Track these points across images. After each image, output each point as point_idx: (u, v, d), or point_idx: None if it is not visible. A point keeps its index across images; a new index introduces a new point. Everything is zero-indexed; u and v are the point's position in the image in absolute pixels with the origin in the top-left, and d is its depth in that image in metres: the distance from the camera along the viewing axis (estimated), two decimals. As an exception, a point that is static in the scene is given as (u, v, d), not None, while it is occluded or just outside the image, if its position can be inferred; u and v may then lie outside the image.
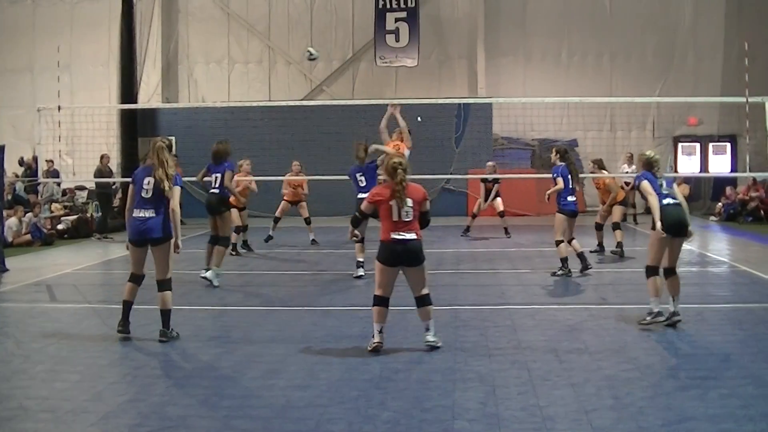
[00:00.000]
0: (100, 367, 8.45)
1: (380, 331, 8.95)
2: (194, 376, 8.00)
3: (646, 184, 10.00)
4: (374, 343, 8.90)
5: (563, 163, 14.31)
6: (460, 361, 8.42)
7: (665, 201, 9.92)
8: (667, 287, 10.04)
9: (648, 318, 9.97)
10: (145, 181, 9.68)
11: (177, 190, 9.75)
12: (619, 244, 17.38)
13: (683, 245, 10.36)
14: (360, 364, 8.40)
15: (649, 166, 10.25)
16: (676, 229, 9.86)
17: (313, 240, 19.27)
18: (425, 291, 9.00)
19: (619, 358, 8.44)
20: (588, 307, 11.19)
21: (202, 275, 13.51)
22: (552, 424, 6.46)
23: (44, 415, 6.88)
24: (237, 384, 7.70)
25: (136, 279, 9.91)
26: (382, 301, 8.97)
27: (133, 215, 9.67)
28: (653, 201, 9.87)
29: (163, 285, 9.72)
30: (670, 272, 10.06)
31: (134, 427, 6.56)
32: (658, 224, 9.72)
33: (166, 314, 9.69)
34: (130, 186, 9.89)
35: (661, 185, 10.09)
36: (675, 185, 10.44)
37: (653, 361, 8.33)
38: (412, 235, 8.82)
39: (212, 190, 14.43)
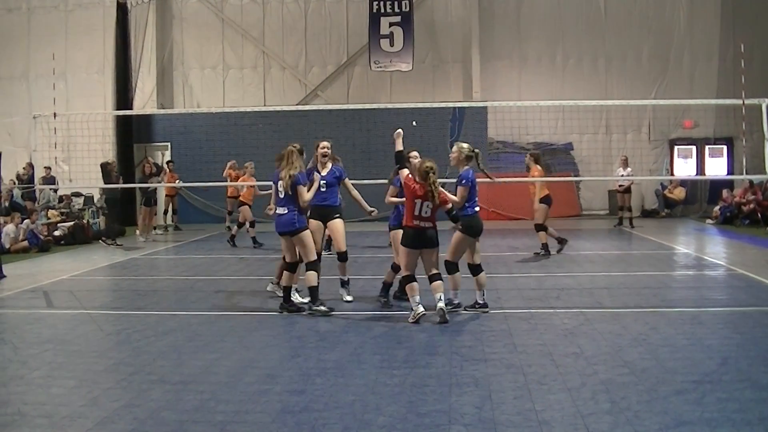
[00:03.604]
0: (96, 373, 8.43)
1: (418, 303, 10.54)
2: (190, 381, 7.98)
3: (463, 190, 11.01)
4: (419, 314, 10.49)
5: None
6: (456, 365, 8.41)
7: (477, 209, 11.15)
8: (475, 282, 11.30)
9: (448, 307, 10.87)
10: (279, 183, 11.32)
11: (300, 188, 11.17)
12: (544, 246, 17.50)
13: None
14: (355, 368, 8.39)
15: (469, 160, 11.24)
16: (479, 232, 11.22)
17: None
18: (435, 271, 10.63)
19: (614, 362, 8.43)
20: (583, 311, 11.18)
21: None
22: (548, 428, 6.45)
23: (41, 420, 6.87)
24: (233, 389, 7.68)
25: (289, 266, 11.44)
26: (411, 279, 10.61)
27: (275, 212, 11.44)
28: (458, 204, 10.95)
29: (308, 266, 11.24)
30: (478, 269, 11.29)
31: (130, 433, 6.56)
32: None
33: (312, 290, 11.24)
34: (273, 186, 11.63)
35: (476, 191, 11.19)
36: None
37: (649, 365, 8.31)
38: (429, 224, 10.62)
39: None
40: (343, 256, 12.24)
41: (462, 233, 11.02)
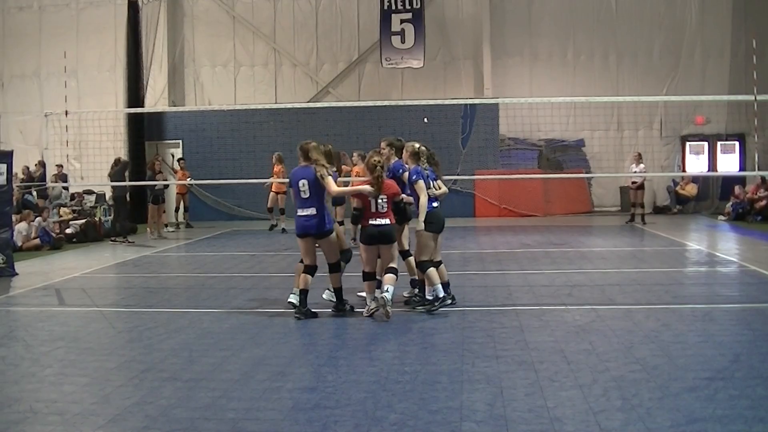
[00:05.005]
0: (108, 371, 8.45)
1: (372, 300, 10.90)
2: (201, 379, 7.99)
3: (422, 185, 11.03)
4: (372, 309, 10.85)
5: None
6: (468, 362, 8.41)
7: (434, 204, 11.22)
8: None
9: (436, 304, 11.06)
10: (300, 183, 10.86)
11: (329, 179, 10.81)
12: None
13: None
14: (367, 365, 8.39)
15: (416, 158, 11.33)
16: (441, 228, 11.39)
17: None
18: (393, 264, 10.92)
19: (626, 359, 8.41)
20: (595, 308, 11.16)
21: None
22: (560, 425, 6.44)
23: (53, 418, 6.88)
24: (244, 386, 7.69)
25: (309, 269, 11.06)
26: (370, 276, 10.96)
27: (297, 214, 10.97)
28: (424, 200, 11.00)
29: (332, 267, 11.10)
30: (438, 263, 11.44)
31: (142, 430, 6.55)
32: (422, 225, 10.98)
33: (337, 291, 11.19)
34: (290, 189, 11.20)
35: (429, 186, 11.24)
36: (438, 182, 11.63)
37: (661, 362, 8.29)
38: (385, 221, 10.81)
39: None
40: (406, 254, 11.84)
41: (423, 230, 11.04)
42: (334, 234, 11.06)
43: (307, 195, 10.80)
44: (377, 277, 11.09)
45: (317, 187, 10.77)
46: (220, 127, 27.91)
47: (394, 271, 10.85)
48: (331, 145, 11.92)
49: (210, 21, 30.07)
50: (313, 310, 10.99)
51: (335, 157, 12.14)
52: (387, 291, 10.64)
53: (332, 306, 11.28)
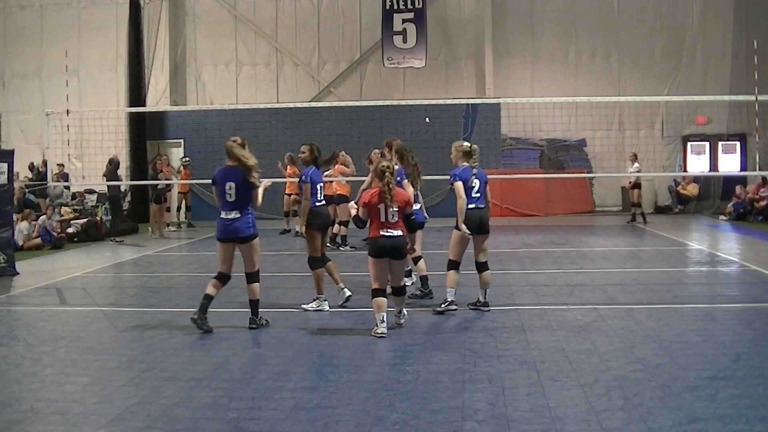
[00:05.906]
0: (110, 370, 8.45)
1: (383, 321, 9.75)
2: (203, 378, 7.99)
3: (459, 186, 10.85)
4: (380, 332, 9.66)
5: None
6: (469, 362, 8.41)
7: (470, 205, 10.88)
8: (479, 280, 11.18)
9: (443, 306, 10.98)
10: (227, 185, 10.22)
11: (259, 191, 10.34)
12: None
13: (487, 241, 11.41)
14: (368, 365, 8.40)
15: (467, 157, 11.19)
16: (476, 229, 10.92)
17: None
18: (402, 283, 10.23)
19: (628, 359, 8.42)
20: (596, 308, 11.16)
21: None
22: (561, 424, 6.44)
23: (54, 417, 6.89)
24: (246, 386, 7.69)
25: (223, 277, 10.52)
26: (380, 293, 9.84)
27: (220, 216, 10.31)
28: (461, 204, 10.77)
29: (253, 277, 10.44)
30: (483, 266, 11.19)
31: (143, 429, 6.56)
32: (463, 227, 10.79)
33: (254, 304, 10.45)
34: (214, 188, 10.50)
35: (473, 187, 11.02)
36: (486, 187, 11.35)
37: (662, 361, 8.30)
38: (398, 232, 9.86)
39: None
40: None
41: (457, 230, 10.90)
42: (257, 240, 10.38)
43: (233, 198, 10.18)
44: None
45: (244, 190, 10.17)
46: (221, 127, 27.80)
47: (403, 292, 10.31)
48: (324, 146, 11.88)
49: (212, 20, 30.06)
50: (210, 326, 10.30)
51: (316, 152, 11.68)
52: (401, 313, 10.24)
53: (248, 321, 10.49)
